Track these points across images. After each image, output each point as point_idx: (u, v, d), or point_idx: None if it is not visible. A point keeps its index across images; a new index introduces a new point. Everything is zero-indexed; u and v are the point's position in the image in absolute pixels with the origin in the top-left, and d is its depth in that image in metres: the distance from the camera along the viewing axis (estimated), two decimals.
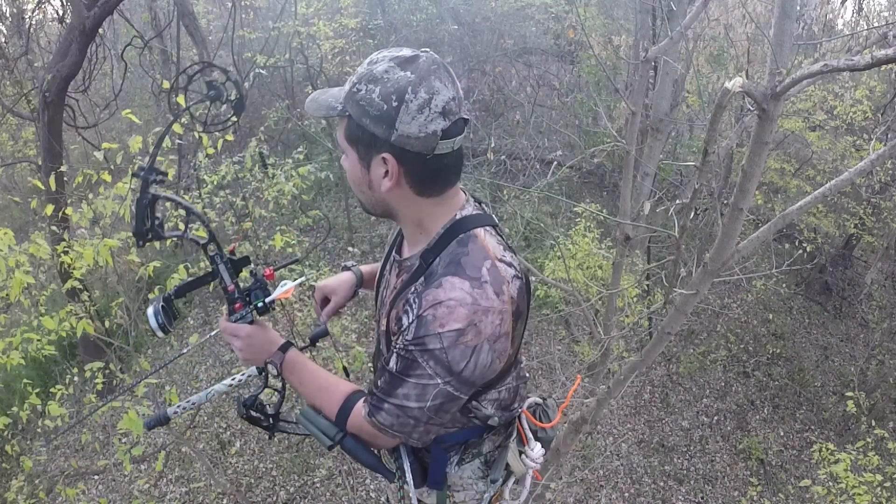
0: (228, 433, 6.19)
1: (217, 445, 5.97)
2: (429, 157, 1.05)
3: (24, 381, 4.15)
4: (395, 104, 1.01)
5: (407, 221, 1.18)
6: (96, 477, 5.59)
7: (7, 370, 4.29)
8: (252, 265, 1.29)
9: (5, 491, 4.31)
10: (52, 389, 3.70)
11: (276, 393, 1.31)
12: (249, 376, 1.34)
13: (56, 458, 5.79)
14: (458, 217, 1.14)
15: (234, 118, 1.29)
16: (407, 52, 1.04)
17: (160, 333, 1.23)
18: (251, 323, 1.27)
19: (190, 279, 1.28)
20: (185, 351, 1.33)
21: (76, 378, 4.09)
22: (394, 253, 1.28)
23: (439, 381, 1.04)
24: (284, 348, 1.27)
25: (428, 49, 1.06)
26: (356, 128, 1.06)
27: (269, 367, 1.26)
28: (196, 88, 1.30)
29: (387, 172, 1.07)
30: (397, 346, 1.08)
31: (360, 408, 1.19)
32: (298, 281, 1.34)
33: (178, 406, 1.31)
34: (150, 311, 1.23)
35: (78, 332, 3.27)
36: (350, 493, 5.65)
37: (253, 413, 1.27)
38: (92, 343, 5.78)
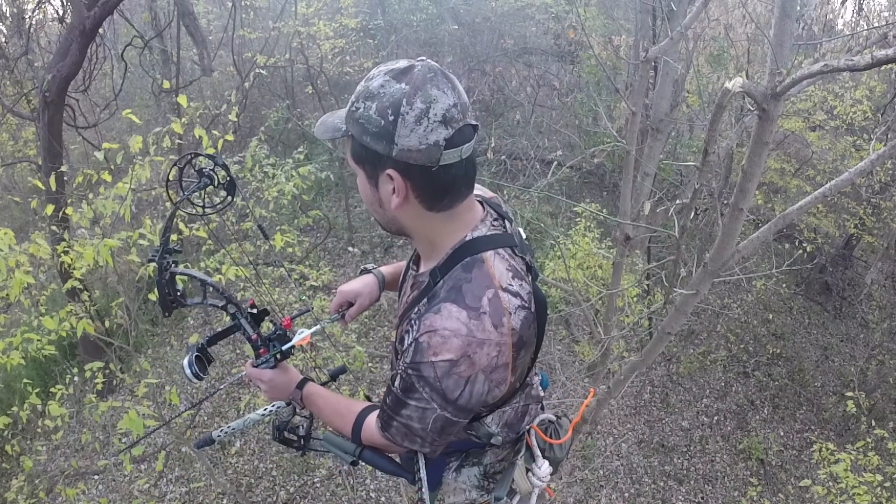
0: None
1: (217, 445, 5.97)
2: (435, 170, 1.02)
3: (24, 381, 4.16)
4: (391, 118, 0.98)
5: (419, 238, 1.17)
6: (96, 477, 5.59)
7: (7, 370, 4.30)
8: (270, 314, 1.42)
9: (5, 491, 4.31)
10: (52, 389, 3.70)
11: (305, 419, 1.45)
12: (279, 408, 1.47)
13: (56, 458, 5.79)
14: (468, 238, 1.11)
15: (230, 198, 1.42)
16: (402, 63, 1.02)
17: (194, 381, 1.36)
18: (274, 366, 1.37)
19: (220, 330, 1.44)
20: (223, 386, 1.46)
21: (76, 378, 4.10)
22: (412, 264, 1.30)
23: (436, 406, 1.05)
24: (301, 385, 1.37)
25: (424, 57, 1.04)
26: (360, 147, 1.04)
27: (293, 402, 1.41)
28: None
29: (394, 189, 1.05)
30: (400, 367, 1.09)
31: (372, 421, 1.25)
32: (314, 329, 1.42)
33: (221, 430, 1.47)
34: (185, 361, 1.35)
35: (78, 332, 3.28)
36: (350, 493, 5.64)
37: (286, 434, 1.41)
38: (92, 343, 5.78)
